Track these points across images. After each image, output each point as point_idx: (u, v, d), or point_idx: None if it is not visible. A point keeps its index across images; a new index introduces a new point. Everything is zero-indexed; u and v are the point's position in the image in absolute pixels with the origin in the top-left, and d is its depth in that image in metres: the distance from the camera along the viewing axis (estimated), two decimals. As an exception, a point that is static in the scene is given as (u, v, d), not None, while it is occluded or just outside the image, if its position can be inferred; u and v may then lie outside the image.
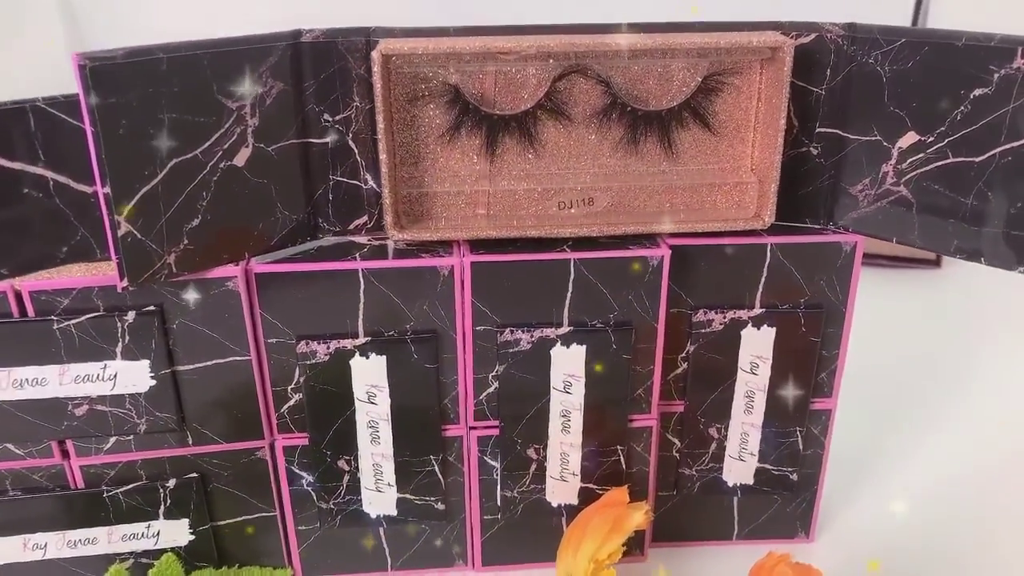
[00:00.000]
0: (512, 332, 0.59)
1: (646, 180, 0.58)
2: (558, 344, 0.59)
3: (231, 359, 0.59)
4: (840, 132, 0.58)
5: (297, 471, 0.64)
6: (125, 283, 0.51)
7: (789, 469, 0.68)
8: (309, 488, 0.64)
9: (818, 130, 0.58)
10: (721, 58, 0.57)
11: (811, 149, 0.59)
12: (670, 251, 0.56)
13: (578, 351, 0.60)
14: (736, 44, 0.55)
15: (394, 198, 0.58)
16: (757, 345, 0.61)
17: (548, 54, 0.56)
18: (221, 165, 0.54)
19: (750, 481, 0.68)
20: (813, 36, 0.56)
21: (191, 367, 0.58)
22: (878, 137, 0.57)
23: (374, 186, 0.59)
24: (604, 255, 0.56)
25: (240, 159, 0.54)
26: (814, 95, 0.58)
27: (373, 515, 0.65)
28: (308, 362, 0.59)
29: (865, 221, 0.60)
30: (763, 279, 0.59)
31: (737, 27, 0.55)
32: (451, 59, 0.56)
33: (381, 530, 0.67)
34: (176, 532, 0.64)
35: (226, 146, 0.53)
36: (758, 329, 0.61)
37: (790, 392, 0.65)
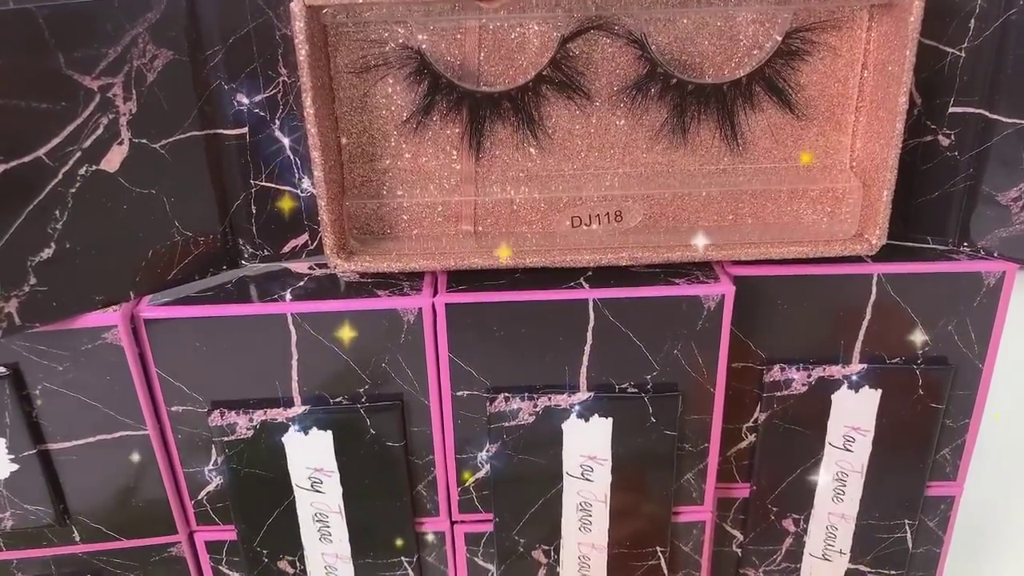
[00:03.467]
0: (508, 399, 0.43)
1: (699, 184, 0.43)
2: (573, 416, 0.42)
3: (121, 434, 0.43)
4: (986, 112, 0.42)
5: (227, 572, 0.48)
6: (-63, 344, 0.36)
7: (892, 572, 0.50)
8: (245, 592, 0.48)
9: (952, 110, 0.43)
10: (811, 6, 0.39)
11: (940, 137, 0.43)
12: (733, 286, 0.39)
13: (601, 425, 0.43)
14: (837, -18, 0.36)
15: (335, 213, 0.41)
16: (854, 413, 0.47)
17: (555, 1, 0.38)
18: (81, 171, 0.38)
19: (838, 585, 0.51)
20: (951, -30, 0.38)
21: (67, 445, 0.43)
22: (1048, 120, 0.39)
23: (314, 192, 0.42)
24: (638, 293, 0.41)
25: (111, 161, 0.39)
26: (948, 59, 0.41)
27: (330, 627, 0.49)
28: (226, 438, 0.43)
29: (1020, 242, 0.41)
30: (865, 323, 0.45)
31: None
32: (412, 10, 0.38)
33: (343, 643, 0.51)
34: (72, 648, 0.49)
35: (87, 144, 0.38)
36: (856, 392, 0.46)
37: (898, 474, 0.48)
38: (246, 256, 0.44)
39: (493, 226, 0.44)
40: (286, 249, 0.44)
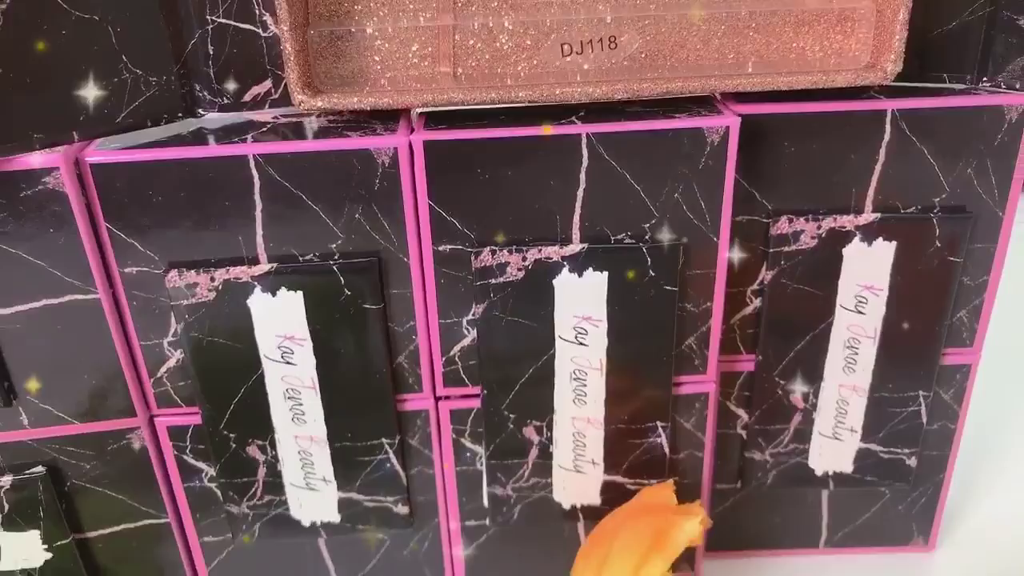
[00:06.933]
0: (495, 253, 0.39)
1: (700, 9, 0.38)
2: (565, 270, 0.39)
3: (70, 298, 0.39)
4: (1009, -75, 0.36)
5: (192, 461, 0.44)
6: None
7: (905, 451, 0.47)
8: (212, 485, 0.45)
9: (972, -77, 0.37)
10: None
11: (958, -43, 0.38)
12: (739, 119, 0.35)
13: (596, 281, 0.40)
14: None
15: (300, 43, 0.37)
16: (867, 269, 0.43)
17: None
18: (10, -17, 0.33)
19: (848, 468, 0.48)
20: None
21: (7, 312, 0.39)
22: (1080, -77, 0.36)
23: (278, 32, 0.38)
24: (635, 127, 0.38)
25: (46, -26, 0.34)
26: None
27: (306, 522, 0.46)
28: (185, 302, 0.39)
29: (1046, 70, 0.38)
30: (878, 167, 0.41)
31: None
32: None
33: (321, 542, 0.47)
34: (25, 548, 0.45)
35: (16, -50, 0.33)
36: (869, 245, 0.43)
37: (913, 339, 0.44)
38: (204, 103, 0.40)
39: (475, 68, 0.40)
40: (247, 97, 0.40)
